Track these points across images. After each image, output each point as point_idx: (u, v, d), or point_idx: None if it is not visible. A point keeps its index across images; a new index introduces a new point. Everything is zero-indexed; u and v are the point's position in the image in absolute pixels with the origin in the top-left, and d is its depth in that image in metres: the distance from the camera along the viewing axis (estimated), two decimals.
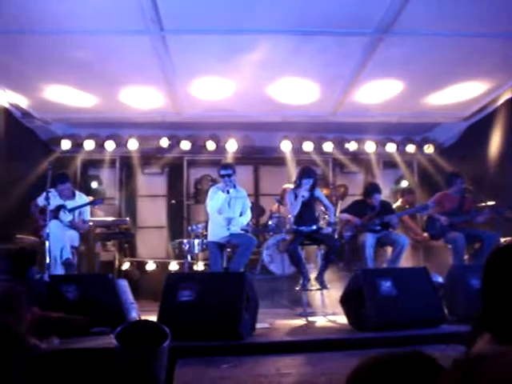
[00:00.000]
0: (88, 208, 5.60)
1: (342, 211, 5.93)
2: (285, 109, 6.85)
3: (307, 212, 5.21)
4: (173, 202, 8.42)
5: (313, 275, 5.03)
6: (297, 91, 6.23)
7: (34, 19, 4.37)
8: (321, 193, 5.43)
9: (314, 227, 5.21)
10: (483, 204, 5.75)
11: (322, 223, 5.80)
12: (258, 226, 7.52)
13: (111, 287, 4.00)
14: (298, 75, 5.77)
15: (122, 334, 2.59)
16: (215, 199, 5.20)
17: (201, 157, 8.22)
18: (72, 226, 5.36)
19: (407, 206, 6.64)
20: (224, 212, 5.27)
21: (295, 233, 5.17)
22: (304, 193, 5.11)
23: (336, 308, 4.39)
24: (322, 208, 5.95)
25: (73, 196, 5.48)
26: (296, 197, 5.14)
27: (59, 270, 4.91)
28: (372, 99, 6.50)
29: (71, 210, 5.31)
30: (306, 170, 5.25)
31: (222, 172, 5.25)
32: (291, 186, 7.06)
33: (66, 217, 5.28)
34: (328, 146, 8.00)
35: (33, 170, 6.61)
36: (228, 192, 5.21)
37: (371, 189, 5.72)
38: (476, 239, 5.48)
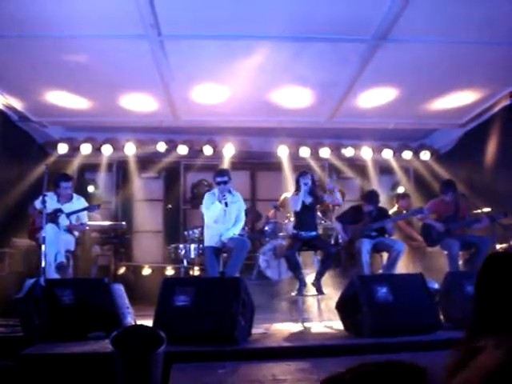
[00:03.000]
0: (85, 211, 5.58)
1: (338, 217, 5.91)
2: (282, 114, 6.87)
3: (308, 217, 5.20)
4: (169, 206, 8.41)
5: (309, 280, 5.04)
6: (294, 97, 6.25)
7: (33, 23, 4.38)
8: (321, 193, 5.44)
9: (314, 233, 5.19)
10: (479, 211, 5.76)
11: (319, 229, 5.79)
12: (254, 232, 7.51)
13: (107, 291, 3.99)
14: (296, 81, 5.79)
15: (117, 338, 2.58)
16: (212, 209, 5.13)
17: (197, 161, 8.22)
18: (69, 229, 5.35)
19: (404, 212, 6.64)
20: (219, 221, 5.19)
21: (294, 238, 5.16)
22: (305, 188, 5.07)
23: (332, 314, 4.39)
24: (319, 214, 5.93)
25: (70, 199, 5.47)
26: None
27: (54, 275, 4.88)
28: (369, 105, 6.52)
29: (68, 215, 5.29)
30: (301, 171, 5.33)
31: (218, 179, 5.17)
32: (289, 194, 7.05)
33: (65, 222, 5.26)
34: (325, 152, 8.03)
35: (29, 174, 6.60)
36: (226, 205, 5.09)
37: (370, 197, 5.70)
38: (471, 245, 5.48)
